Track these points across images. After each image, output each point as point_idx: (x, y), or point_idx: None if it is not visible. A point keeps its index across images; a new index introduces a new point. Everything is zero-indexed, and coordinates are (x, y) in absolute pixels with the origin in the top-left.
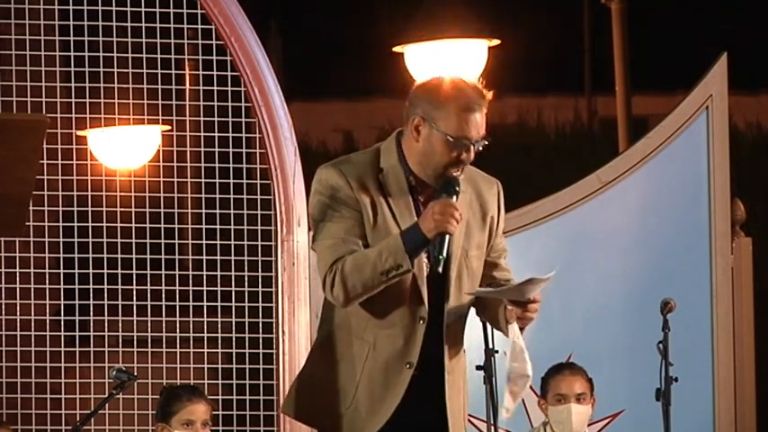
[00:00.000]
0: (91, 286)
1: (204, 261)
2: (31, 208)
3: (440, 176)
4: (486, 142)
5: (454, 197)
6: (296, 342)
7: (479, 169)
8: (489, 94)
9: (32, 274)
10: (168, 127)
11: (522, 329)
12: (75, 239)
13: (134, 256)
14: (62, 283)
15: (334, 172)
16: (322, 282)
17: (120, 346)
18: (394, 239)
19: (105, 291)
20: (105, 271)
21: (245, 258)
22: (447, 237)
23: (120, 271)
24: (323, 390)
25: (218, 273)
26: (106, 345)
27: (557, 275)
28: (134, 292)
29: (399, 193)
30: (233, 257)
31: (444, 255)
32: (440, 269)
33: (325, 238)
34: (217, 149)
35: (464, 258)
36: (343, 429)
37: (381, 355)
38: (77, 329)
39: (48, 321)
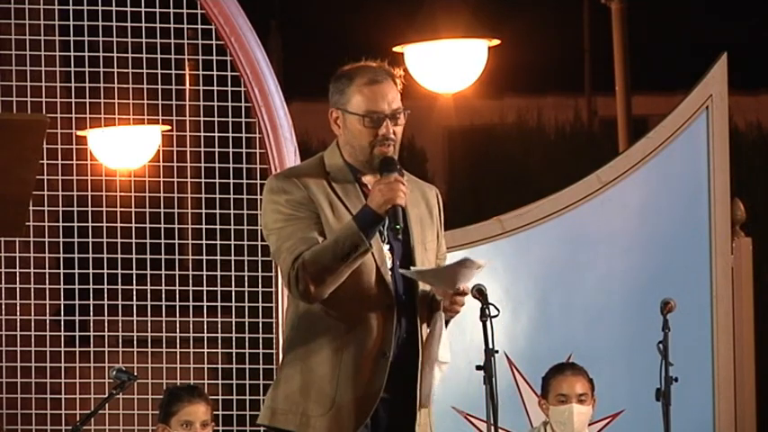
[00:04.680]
0: (91, 286)
1: (204, 261)
2: (31, 208)
3: (371, 159)
4: (404, 113)
5: (395, 173)
6: None
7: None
8: (397, 70)
9: (32, 274)
10: (168, 127)
11: (447, 322)
12: (75, 239)
13: (134, 256)
14: (62, 283)
15: (283, 178)
16: (286, 282)
17: (120, 346)
18: (348, 224)
19: (105, 291)
20: (105, 271)
21: (245, 258)
22: (399, 208)
23: (120, 271)
24: (301, 398)
25: (218, 273)
26: (106, 345)
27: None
28: (134, 292)
29: (349, 188)
30: (233, 257)
31: (402, 224)
32: (400, 237)
33: (285, 241)
34: (217, 149)
35: (423, 251)
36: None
37: (357, 351)
38: (77, 329)
39: (48, 321)
